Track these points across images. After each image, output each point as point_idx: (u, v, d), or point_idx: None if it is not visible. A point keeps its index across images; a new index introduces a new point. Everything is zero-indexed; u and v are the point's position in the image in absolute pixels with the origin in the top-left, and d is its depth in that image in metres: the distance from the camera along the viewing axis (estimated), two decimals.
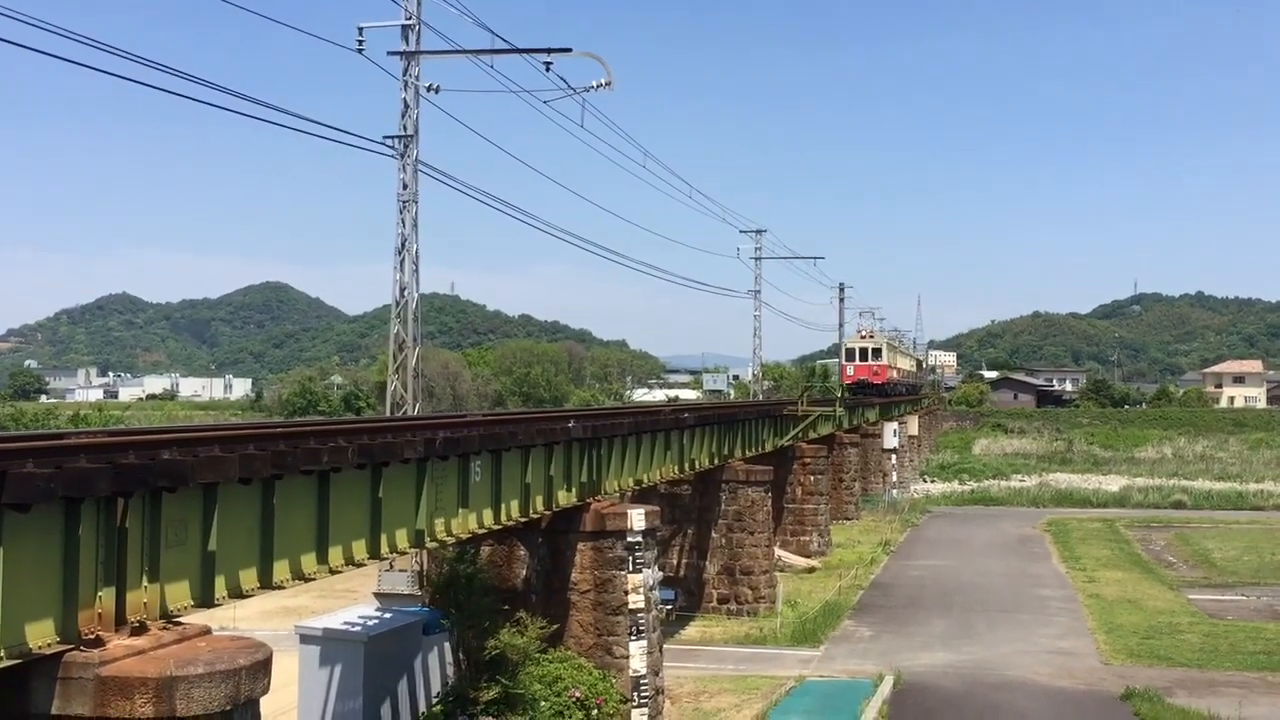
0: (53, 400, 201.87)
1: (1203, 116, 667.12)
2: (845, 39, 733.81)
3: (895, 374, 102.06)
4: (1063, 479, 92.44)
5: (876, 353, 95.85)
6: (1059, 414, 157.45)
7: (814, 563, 52.06)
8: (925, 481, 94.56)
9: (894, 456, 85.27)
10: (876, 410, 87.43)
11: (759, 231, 76.49)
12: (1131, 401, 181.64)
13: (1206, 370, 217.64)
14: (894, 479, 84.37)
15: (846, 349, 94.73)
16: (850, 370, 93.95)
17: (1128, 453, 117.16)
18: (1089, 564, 52.38)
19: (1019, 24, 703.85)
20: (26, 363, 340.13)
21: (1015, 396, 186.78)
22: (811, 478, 55.85)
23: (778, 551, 47.68)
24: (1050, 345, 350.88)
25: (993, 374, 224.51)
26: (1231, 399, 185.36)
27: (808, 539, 55.06)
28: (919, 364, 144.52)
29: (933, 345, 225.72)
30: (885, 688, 29.79)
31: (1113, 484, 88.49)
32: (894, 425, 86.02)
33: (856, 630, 38.46)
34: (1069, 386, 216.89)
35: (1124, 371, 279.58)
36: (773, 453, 49.37)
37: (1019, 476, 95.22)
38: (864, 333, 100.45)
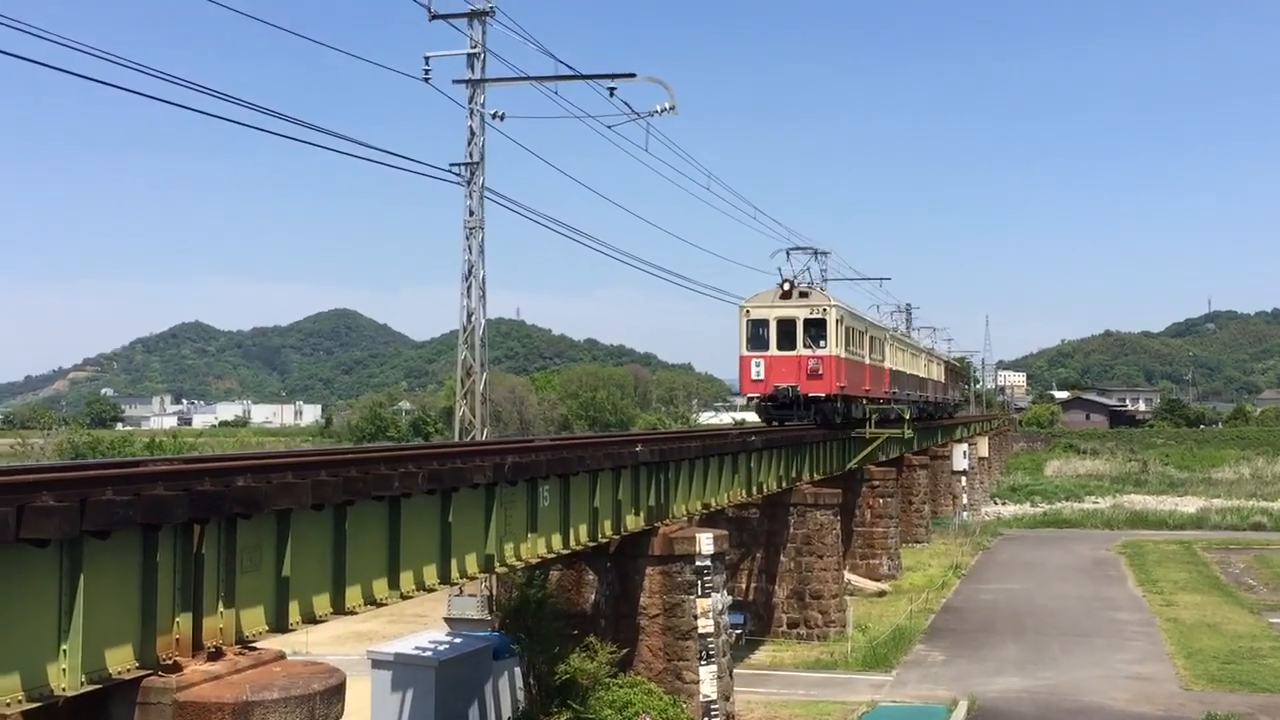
0: (128, 428, 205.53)
1: (1276, 128, 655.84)
2: (909, 56, 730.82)
3: (876, 378, 53.07)
4: (1137, 500, 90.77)
5: (817, 329, 43.78)
6: (1132, 434, 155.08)
7: (884, 586, 51.53)
8: (996, 504, 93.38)
9: (964, 478, 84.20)
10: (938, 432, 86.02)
11: (824, 253, 75.92)
12: (1207, 421, 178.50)
13: None
14: (964, 501, 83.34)
15: (750, 323, 44.04)
16: (758, 369, 43.83)
17: (1204, 473, 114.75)
18: (1166, 587, 51.36)
19: (1086, 40, 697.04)
20: (103, 391, 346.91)
21: (1087, 417, 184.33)
22: (880, 500, 55.34)
23: (847, 575, 47.27)
24: (1122, 364, 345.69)
25: (1064, 394, 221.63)
26: None
27: (877, 562, 54.52)
28: (950, 370, 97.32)
29: (1002, 366, 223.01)
30: (959, 713, 29.41)
31: (1189, 505, 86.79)
32: (964, 447, 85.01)
33: (929, 655, 37.98)
34: (1142, 406, 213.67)
35: (1199, 390, 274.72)
36: (841, 475, 49.01)
37: (1092, 498, 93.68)
38: (787, 286, 44.55)
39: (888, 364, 56.57)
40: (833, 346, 43.27)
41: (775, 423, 43.05)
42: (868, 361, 50.43)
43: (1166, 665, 36.05)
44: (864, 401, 49.31)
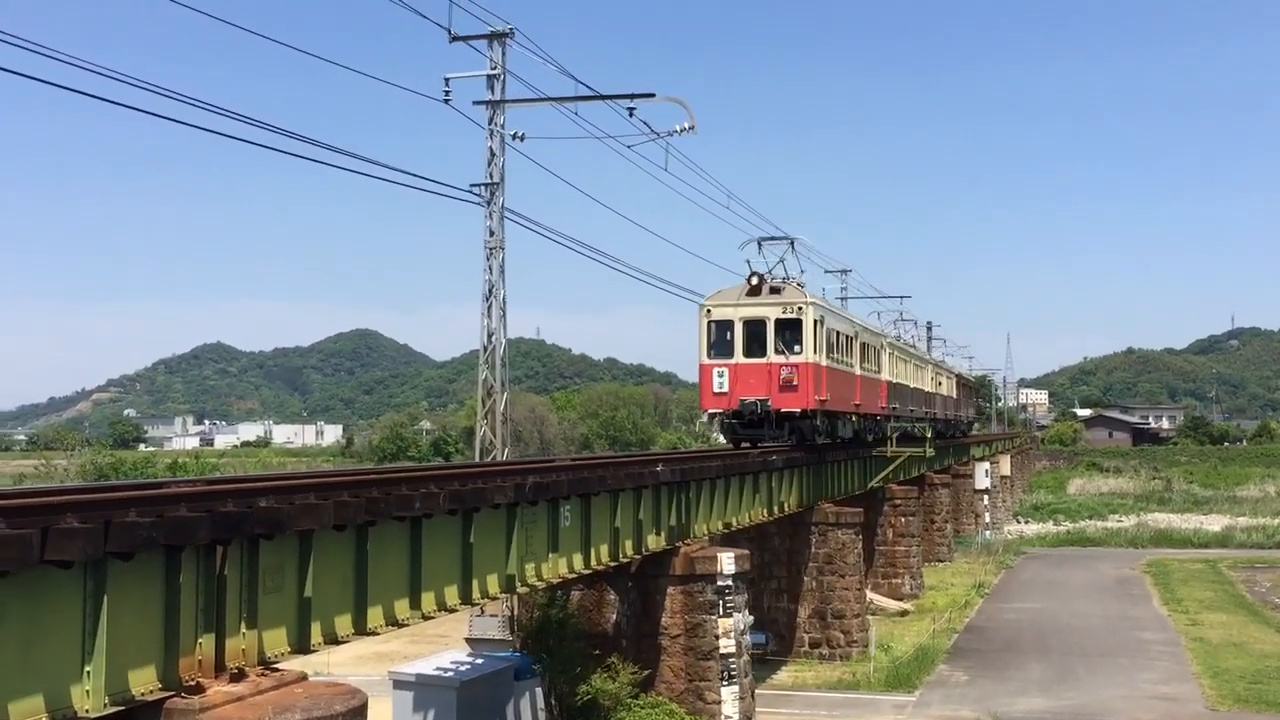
0: (151, 448, 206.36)
1: None
2: (927, 70, 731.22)
3: (869, 392, 45.93)
4: (1161, 519, 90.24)
5: (791, 332, 37.07)
6: (1156, 452, 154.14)
7: (906, 606, 51.30)
8: (1019, 522, 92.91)
9: (986, 497, 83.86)
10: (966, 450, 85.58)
11: (844, 271, 76.04)
12: (1231, 439, 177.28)
13: None
14: (987, 520, 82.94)
15: (711, 325, 37.52)
16: (721, 380, 36.98)
17: (1229, 491, 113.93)
18: (1191, 606, 50.98)
19: (1107, 53, 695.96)
20: (126, 412, 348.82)
21: (1110, 435, 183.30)
22: (902, 519, 55.15)
23: (869, 594, 47.08)
24: (1145, 382, 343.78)
25: (1086, 412, 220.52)
26: None
27: (899, 581, 54.30)
28: (963, 385, 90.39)
29: (1023, 383, 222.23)
30: None
31: (1214, 524, 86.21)
32: (985, 465, 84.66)
33: (952, 675, 37.76)
34: (1165, 424, 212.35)
35: (1223, 408, 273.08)
36: (862, 494, 48.89)
37: (1116, 516, 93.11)
38: (755, 280, 37.81)
39: (885, 375, 50.10)
40: (810, 352, 36.57)
41: (745, 444, 36.91)
42: (858, 372, 43.77)
43: (1192, 685, 35.74)
44: (852, 418, 43.05)
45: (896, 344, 57.85)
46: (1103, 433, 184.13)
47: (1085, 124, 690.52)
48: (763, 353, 36.60)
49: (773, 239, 40.64)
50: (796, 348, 36.51)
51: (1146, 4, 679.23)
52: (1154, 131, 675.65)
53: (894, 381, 52.49)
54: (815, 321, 37.03)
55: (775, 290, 37.31)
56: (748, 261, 38.37)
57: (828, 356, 38.06)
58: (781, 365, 36.34)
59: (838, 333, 40.13)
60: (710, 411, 37.39)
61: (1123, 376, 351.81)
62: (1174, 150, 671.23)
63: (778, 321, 36.72)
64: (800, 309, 36.77)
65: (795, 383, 36.28)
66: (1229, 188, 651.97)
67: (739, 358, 36.71)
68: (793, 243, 40.83)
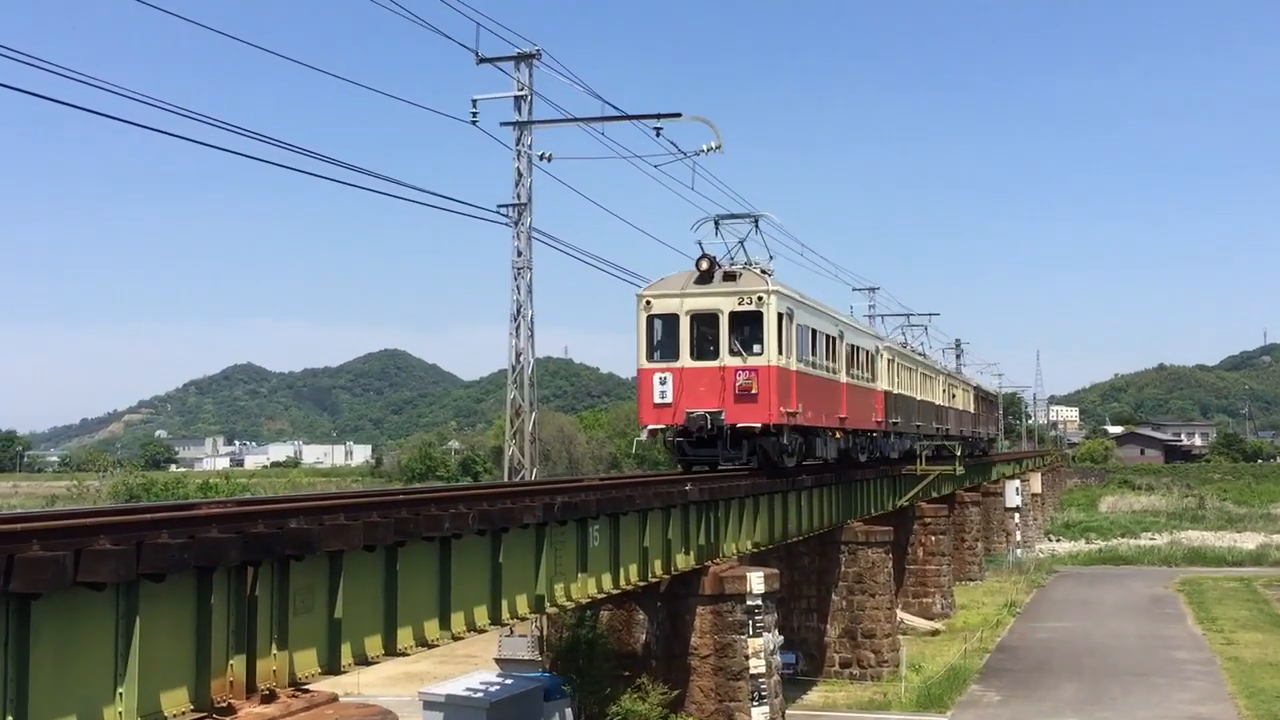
0: (182, 469, 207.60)
1: None
2: (954, 85, 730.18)
3: (858, 404, 39.12)
4: (1195, 536, 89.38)
5: (751, 327, 29.88)
6: (1188, 469, 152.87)
7: (937, 625, 50.98)
8: (1050, 540, 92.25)
9: (1017, 515, 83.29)
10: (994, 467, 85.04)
11: (871, 289, 75.96)
12: (1265, 455, 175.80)
13: None
14: (1018, 538, 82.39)
15: (653, 320, 30.47)
16: (663, 389, 29.93)
17: (1263, 509, 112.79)
18: (1226, 625, 50.46)
19: (1141, 65, 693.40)
20: (157, 433, 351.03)
21: (1142, 452, 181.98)
22: (932, 538, 54.85)
23: (900, 614, 46.81)
24: (1176, 399, 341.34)
25: (1117, 429, 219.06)
26: None
27: (930, 601, 53.99)
28: (982, 399, 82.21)
29: (1054, 400, 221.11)
30: None
31: (1248, 541, 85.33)
32: (1016, 483, 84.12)
33: (984, 695, 37.47)
34: (1198, 441, 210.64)
35: (1256, 425, 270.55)
36: (892, 513, 48.67)
37: (1148, 534, 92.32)
38: (706, 264, 30.30)
39: (881, 385, 42.87)
40: (774, 353, 29.32)
41: (698, 468, 29.96)
42: (844, 379, 36.66)
43: (1228, 706, 35.35)
44: (836, 435, 36.06)
45: (898, 349, 50.43)
46: (1134, 450, 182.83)
47: (1113, 138, 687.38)
48: (715, 354, 29.62)
49: (734, 217, 33.15)
50: (756, 347, 29.42)
51: (1179, 13, 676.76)
52: (1186, 145, 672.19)
53: (893, 392, 45.31)
54: (781, 315, 29.92)
55: (730, 276, 30.20)
56: (699, 243, 31.14)
57: (799, 359, 31.25)
58: (737, 369, 29.31)
59: (814, 330, 33.30)
60: (651, 427, 30.00)
61: (1154, 393, 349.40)
62: (1206, 164, 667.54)
63: (733, 315, 29.63)
64: (760, 298, 29.54)
65: (754, 390, 29.15)
66: (1262, 202, 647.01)
67: (685, 360, 29.69)
68: (757, 221, 33.19)
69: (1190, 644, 46.48)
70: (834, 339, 35.70)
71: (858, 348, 39.18)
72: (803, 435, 32.09)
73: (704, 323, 29.84)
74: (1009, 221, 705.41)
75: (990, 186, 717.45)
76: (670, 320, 30.06)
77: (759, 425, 29.21)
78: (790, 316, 30.63)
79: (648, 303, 30.25)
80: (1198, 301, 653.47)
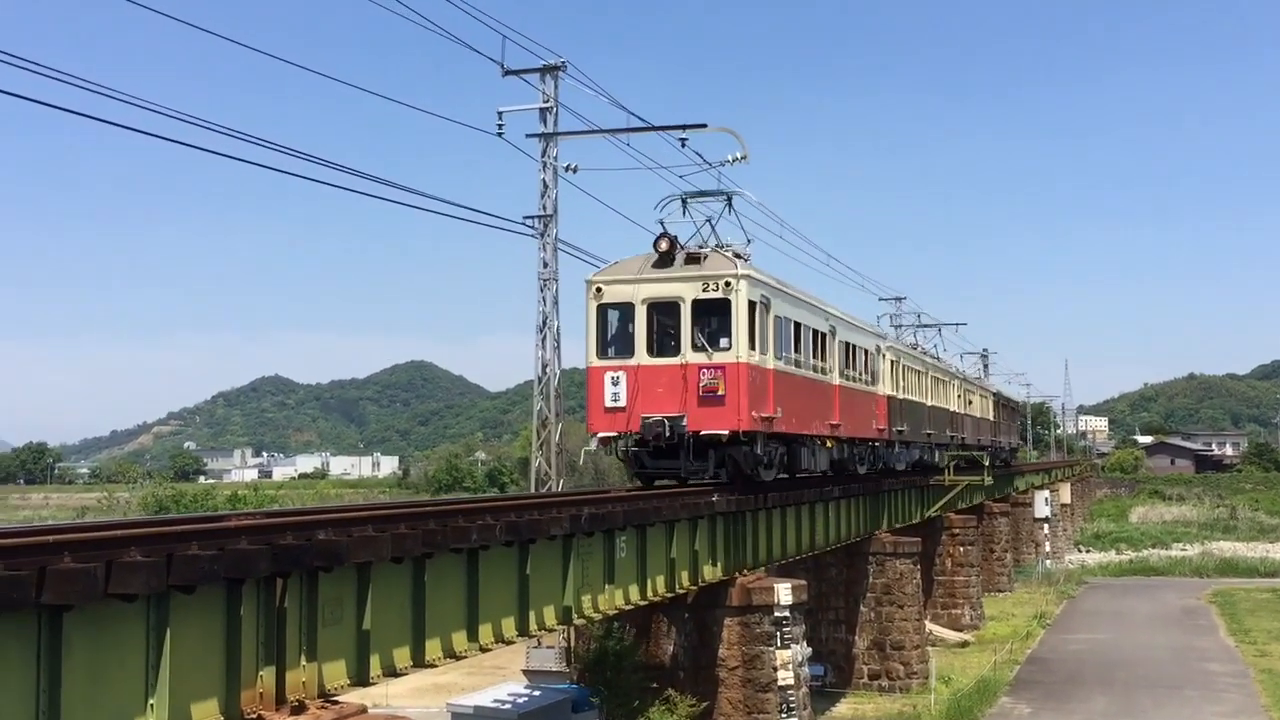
0: (210, 481, 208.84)
1: None
2: (983, 93, 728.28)
3: (854, 409, 34.18)
4: (1227, 547, 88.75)
5: (718, 318, 25.38)
6: (1220, 479, 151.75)
7: (966, 637, 50.69)
8: (1080, 551, 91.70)
9: (1046, 526, 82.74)
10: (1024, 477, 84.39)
11: (898, 299, 75.54)
12: None
13: None
14: (1047, 549, 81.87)
15: (604, 310, 25.97)
16: (615, 390, 25.33)
17: None
18: (1259, 637, 49.96)
19: (1171, 72, 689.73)
20: (186, 444, 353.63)
21: (1172, 462, 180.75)
22: (961, 549, 54.57)
23: (929, 625, 46.55)
24: (1207, 408, 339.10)
25: (1147, 439, 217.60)
26: None
27: (959, 612, 53.69)
28: (1002, 406, 77.92)
29: (1083, 410, 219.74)
30: None
31: None
32: (1045, 493, 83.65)
33: (1014, 708, 37.20)
34: (1229, 451, 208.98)
35: None
36: (920, 524, 48.44)
37: (1180, 545, 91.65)
38: (666, 244, 25.59)
39: (883, 388, 38.59)
40: (744, 347, 25.00)
41: (660, 483, 26.05)
42: (836, 380, 32.20)
43: (1261, 719, 35.01)
44: (826, 443, 31.61)
45: (904, 349, 45.83)
46: (1165, 460, 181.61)
47: (1143, 146, 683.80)
48: (676, 349, 25.31)
49: (703, 194, 28.38)
50: (724, 341, 25.12)
51: (1207, 20, 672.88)
52: (1216, 152, 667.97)
53: (898, 397, 40.93)
54: (754, 303, 25.55)
55: (694, 259, 25.77)
56: (660, 222, 26.73)
57: (777, 355, 27.01)
58: (701, 367, 24.98)
59: (797, 324, 28.78)
60: (602, 435, 25.63)
61: (1185, 403, 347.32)
62: (1236, 172, 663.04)
63: (696, 303, 25.28)
64: (728, 284, 25.04)
65: (720, 391, 24.88)
66: None
67: (641, 357, 25.45)
68: (730, 199, 28.51)
69: (1223, 656, 46.05)
70: (824, 335, 31.31)
71: (854, 346, 34.83)
72: (783, 444, 27.89)
73: (663, 313, 25.62)
74: (1039, 232, 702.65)
75: (1022, 198, 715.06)
76: (624, 310, 25.88)
77: (726, 432, 24.84)
78: (766, 306, 26.27)
79: (598, 290, 25.96)
80: (1228, 310, 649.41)
